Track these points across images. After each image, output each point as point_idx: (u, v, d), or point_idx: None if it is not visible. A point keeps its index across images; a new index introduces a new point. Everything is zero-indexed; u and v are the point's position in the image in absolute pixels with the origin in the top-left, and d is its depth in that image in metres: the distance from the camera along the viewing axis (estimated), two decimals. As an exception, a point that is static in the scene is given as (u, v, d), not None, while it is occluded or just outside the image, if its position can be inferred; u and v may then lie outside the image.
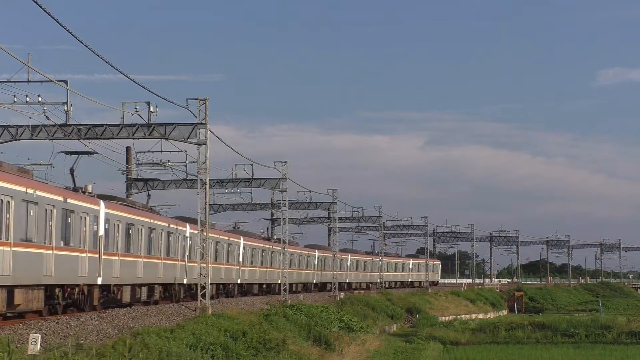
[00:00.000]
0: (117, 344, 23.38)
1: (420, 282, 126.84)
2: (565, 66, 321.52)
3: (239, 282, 61.26)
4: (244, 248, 62.47)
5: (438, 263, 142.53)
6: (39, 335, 20.66)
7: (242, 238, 63.09)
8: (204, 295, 41.91)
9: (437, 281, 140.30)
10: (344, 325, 54.63)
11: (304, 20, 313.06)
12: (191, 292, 50.15)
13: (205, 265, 42.83)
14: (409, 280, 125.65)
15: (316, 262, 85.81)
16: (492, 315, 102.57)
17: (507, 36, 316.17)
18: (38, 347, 20.32)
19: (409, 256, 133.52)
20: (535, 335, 65.89)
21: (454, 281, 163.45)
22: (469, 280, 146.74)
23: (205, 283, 42.27)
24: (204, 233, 42.94)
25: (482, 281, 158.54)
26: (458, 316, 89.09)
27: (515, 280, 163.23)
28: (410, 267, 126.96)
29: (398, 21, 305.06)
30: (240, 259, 61.48)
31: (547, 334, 66.35)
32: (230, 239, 59.71)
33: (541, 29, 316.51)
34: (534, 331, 67.73)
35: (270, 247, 71.01)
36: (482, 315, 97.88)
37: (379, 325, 68.64)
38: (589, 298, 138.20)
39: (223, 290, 58.26)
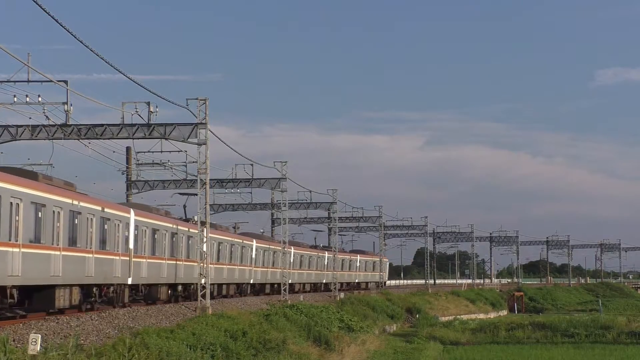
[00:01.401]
0: (117, 344, 23.39)
1: (367, 283, 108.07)
2: (564, 66, 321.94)
3: (129, 282, 39.81)
4: (135, 228, 40.82)
5: (386, 261, 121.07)
6: (39, 335, 20.63)
7: (132, 211, 41.03)
8: (203, 296, 41.93)
9: (385, 282, 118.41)
10: (344, 325, 54.66)
11: (304, 20, 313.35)
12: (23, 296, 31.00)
13: (205, 265, 42.82)
14: (356, 281, 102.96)
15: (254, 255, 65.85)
16: (492, 315, 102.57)
17: (507, 36, 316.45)
18: (38, 347, 20.31)
19: (354, 252, 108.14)
20: (535, 335, 65.90)
21: (454, 281, 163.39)
22: (469, 280, 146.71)
23: (205, 283, 42.27)
24: (204, 233, 42.95)
25: (482, 281, 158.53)
26: (458, 316, 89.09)
27: (515, 280, 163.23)
28: (358, 264, 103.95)
29: (398, 21, 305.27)
30: (131, 246, 40.30)
31: (547, 334, 66.35)
32: (120, 212, 39.00)
33: (541, 29, 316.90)
34: (534, 331, 67.75)
35: (187, 229, 49.50)
36: (482, 315, 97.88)
37: (379, 325, 68.64)
38: (589, 298, 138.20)
39: (103, 295, 37.64)
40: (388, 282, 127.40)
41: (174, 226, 46.68)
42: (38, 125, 40.80)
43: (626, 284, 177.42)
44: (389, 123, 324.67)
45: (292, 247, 76.34)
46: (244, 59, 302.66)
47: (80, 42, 29.81)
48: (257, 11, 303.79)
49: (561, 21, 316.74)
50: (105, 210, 36.50)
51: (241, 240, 61.83)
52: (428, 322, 77.69)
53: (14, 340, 23.10)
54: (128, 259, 39.21)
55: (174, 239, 46.16)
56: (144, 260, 41.45)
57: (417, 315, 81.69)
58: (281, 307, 50.18)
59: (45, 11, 24.90)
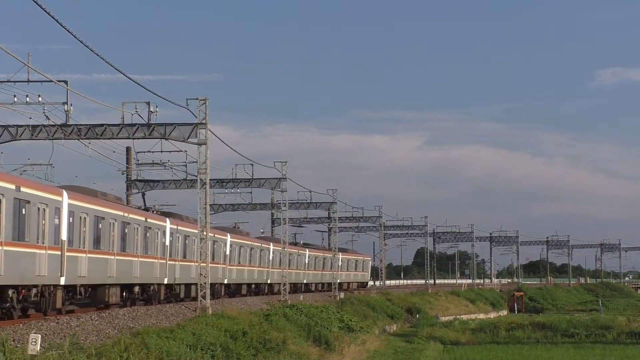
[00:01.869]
0: (117, 344, 23.40)
1: (348, 284, 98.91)
2: (564, 66, 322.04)
3: (62, 282, 32.99)
4: (70, 215, 33.74)
5: (368, 259, 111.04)
6: (39, 335, 20.65)
7: (65, 193, 33.66)
8: (204, 296, 41.92)
9: (367, 282, 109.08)
10: (344, 325, 54.69)
11: (304, 20, 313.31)
12: None
13: (205, 265, 42.81)
14: (337, 281, 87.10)
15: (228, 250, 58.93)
16: (492, 315, 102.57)
17: (507, 36, 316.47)
18: (38, 347, 20.32)
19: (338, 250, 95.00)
20: (535, 335, 65.89)
21: (454, 281, 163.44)
22: (469, 280, 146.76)
23: (205, 283, 42.25)
24: (204, 233, 42.94)
25: (482, 281, 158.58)
26: (458, 316, 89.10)
27: (515, 280, 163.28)
28: (340, 263, 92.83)
29: (397, 21, 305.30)
30: (64, 237, 33.14)
31: (547, 334, 66.35)
32: (47, 194, 31.92)
33: (541, 29, 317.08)
34: (534, 331, 67.73)
35: (143, 219, 42.41)
36: (482, 315, 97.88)
37: (379, 325, 68.65)
38: (589, 298, 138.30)
39: (21, 300, 30.68)
40: (387, 282, 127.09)
41: (126, 214, 39.31)
42: (38, 125, 40.79)
43: (626, 284, 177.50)
44: (389, 123, 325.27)
45: (270, 244, 70.71)
46: (243, 59, 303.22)
47: (80, 42, 29.81)
48: (257, 11, 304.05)
49: (561, 21, 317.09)
50: (22, 190, 29.39)
51: (212, 234, 53.18)
52: (428, 322, 77.69)
53: (14, 340, 23.10)
54: (59, 253, 32.40)
55: (126, 230, 38.80)
56: (83, 255, 34.17)
57: (417, 315, 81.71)
58: (281, 307, 50.19)
59: (45, 11, 24.90)
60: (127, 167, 59.82)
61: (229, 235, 59.91)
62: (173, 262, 46.79)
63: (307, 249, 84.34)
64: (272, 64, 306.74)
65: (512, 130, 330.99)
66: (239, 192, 68.30)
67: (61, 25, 26.90)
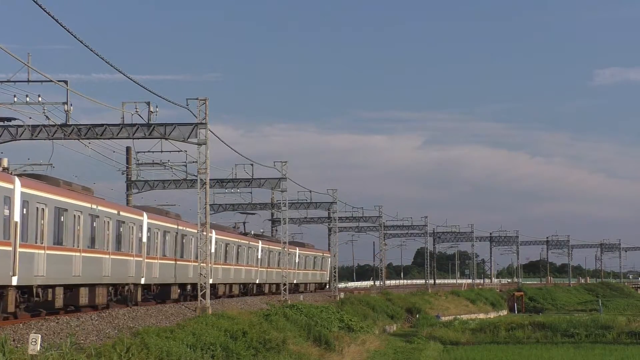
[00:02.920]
0: (117, 344, 23.40)
1: (307, 284, 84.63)
2: (563, 66, 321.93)
3: None
4: None
5: (328, 256, 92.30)
6: (39, 335, 20.65)
7: None
8: (204, 295, 41.92)
9: (326, 284, 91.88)
10: (344, 325, 54.70)
11: (304, 21, 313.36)
12: None
13: (205, 265, 42.80)
14: (294, 281, 77.09)
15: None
16: (492, 315, 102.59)
17: (507, 36, 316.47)
18: (38, 347, 20.32)
19: (294, 244, 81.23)
20: (535, 335, 65.90)
21: (454, 281, 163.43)
22: (469, 280, 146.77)
23: (205, 283, 42.25)
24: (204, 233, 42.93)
25: (482, 281, 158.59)
26: (458, 316, 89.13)
27: (515, 280, 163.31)
28: (297, 260, 79.78)
29: (397, 21, 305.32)
30: None
31: (547, 334, 66.36)
32: None
33: (541, 29, 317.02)
34: (534, 331, 67.74)
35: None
36: (482, 315, 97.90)
37: (379, 325, 68.67)
38: (589, 298, 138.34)
39: None
40: (387, 282, 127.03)
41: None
42: (38, 125, 40.81)
43: (626, 284, 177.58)
44: (388, 123, 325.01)
45: (213, 231, 53.17)
46: (243, 59, 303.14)
47: (80, 42, 29.84)
48: (257, 11, 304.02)
49: (561, 21, 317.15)
50: None
51: (116, 211, 38.39)
52: (428, 322, 77.73)
53: (14, 340, 23.11)
54: None
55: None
56: None
57: (417, 315, 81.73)
58: (281, 307, 50.21)
59: (45, 11, 24.91)
60: (127, 167, 59.85)
61: (145, 215, 42.76)
62: (31, 250, 29.64)
63: (259, 241, 68.75)
64: (272, 64, 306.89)
65: (511, 130, 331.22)
66: (239, 192, 68.37)
67: (61, 25, 26.94)
